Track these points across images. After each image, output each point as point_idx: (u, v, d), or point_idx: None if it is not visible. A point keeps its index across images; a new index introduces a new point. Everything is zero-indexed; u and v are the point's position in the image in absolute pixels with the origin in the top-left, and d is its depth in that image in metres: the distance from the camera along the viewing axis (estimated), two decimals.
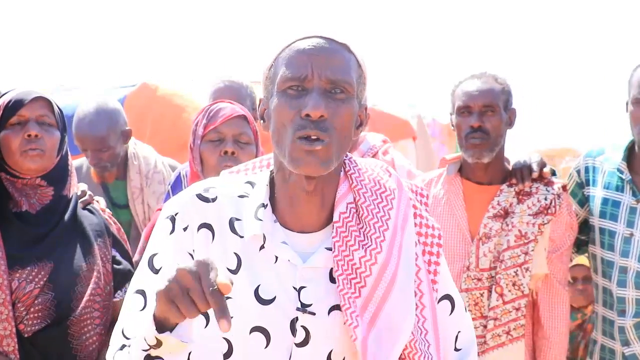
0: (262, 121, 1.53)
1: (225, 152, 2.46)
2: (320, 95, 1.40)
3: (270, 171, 1.55)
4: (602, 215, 2.81)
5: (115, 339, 1.45)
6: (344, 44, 1.45)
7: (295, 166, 1.42)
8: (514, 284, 2.72)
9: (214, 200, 1.50)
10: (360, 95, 1.49)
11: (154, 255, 1.49)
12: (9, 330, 2.10)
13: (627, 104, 2.77)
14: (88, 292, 2.21)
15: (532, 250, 2.73)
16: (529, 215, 2.75)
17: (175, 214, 1.49)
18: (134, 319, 1.44)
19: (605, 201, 2.81)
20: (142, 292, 1.47)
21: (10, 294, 2.12)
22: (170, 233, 1.48)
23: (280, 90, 1.43)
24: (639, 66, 2.74)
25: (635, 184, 2.77)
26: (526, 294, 2.73)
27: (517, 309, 2.73)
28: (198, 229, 1.48)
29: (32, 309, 2.14)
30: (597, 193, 2.86)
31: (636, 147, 2.80)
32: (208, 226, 1.48)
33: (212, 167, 2.46)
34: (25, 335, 2.13)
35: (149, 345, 1.32)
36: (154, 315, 1.30)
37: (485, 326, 2.74)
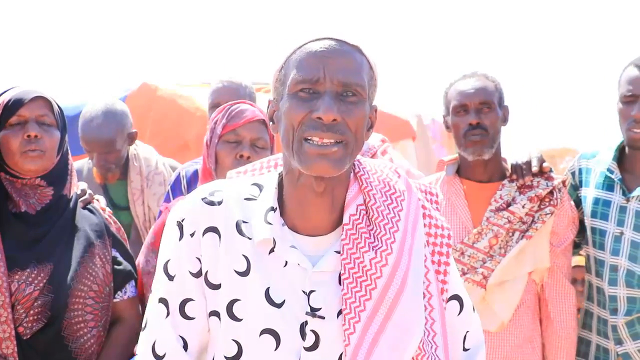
0: (271, 123, 1.52)
1: (241, 156, 2.46)
2: (332, 98, 1.39)
3: (279, 173, 1.54)
4: (593, 214, 2.84)
5: (144, 352, 1.47)
6: (355, 46, 1.44)
7: (306, 167, 1.40)
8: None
9: (219, 203, 1.49)
10: (371, 98, 1.48)
11: (168, 261, 1.50)
12: (8, 332, 2.09)
13: (617, 102, 2.80)
14: (83, 294, 2.19)
15: (536, 231, 2.73)
16: (532, 203, 2.76)
17: (182, 220, 1.49)
18: (163, 329, 1.47)
19: (596, 201, 2.84)
20: (163, 301, 1.49)
21: (10, 296, 2.10)
22: (180, 239, 1.49)
23: (291, 93, 1.42)
24: (628, 65, 2.76)
25: (626, 183, 2.80)
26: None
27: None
28: (204, 234, 1.48)
29: (31, 312, 2.12)
30: (588, 193, 2.89)
31: (626, 147, 2.82)
32: (214, 229, 1.48)
33: (226, 168, 2.44)
34: (24, 338, 2.12)
35: None
36: None
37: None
